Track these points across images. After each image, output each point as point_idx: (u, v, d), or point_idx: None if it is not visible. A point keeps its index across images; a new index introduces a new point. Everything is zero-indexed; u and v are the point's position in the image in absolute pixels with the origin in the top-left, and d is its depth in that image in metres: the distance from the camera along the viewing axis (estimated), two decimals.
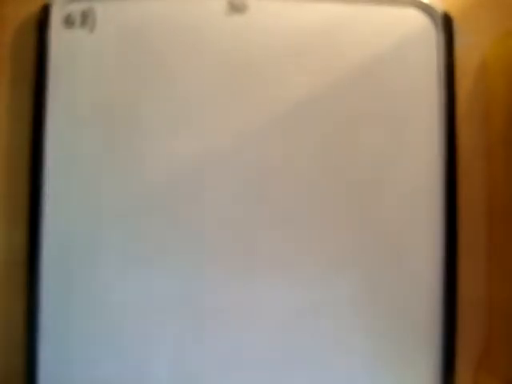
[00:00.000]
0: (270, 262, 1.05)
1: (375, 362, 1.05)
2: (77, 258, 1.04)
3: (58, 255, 1.04)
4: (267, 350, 1.04)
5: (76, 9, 1.07)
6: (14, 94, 1.10)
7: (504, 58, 1.09)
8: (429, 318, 1.05)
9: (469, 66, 1.12)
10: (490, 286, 1.10)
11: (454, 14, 1.09)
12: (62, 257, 1.04)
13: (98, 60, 1.07)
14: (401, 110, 1.08)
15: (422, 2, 1.08)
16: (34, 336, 1.03)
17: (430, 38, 1.08)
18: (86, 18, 1.07)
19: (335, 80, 1.07)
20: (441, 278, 1.05)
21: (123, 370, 1.04)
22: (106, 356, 1.03)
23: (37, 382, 1.02)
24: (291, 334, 1.04)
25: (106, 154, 1.06)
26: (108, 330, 1.04)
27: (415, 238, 1.06)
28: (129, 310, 1.04)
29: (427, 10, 1.08)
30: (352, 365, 1.05)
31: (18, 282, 1.06)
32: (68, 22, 1.06)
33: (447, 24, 1.08)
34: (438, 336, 1.04)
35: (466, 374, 1.08)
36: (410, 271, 1.06)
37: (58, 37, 1.06)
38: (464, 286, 1.06)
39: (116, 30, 1.07)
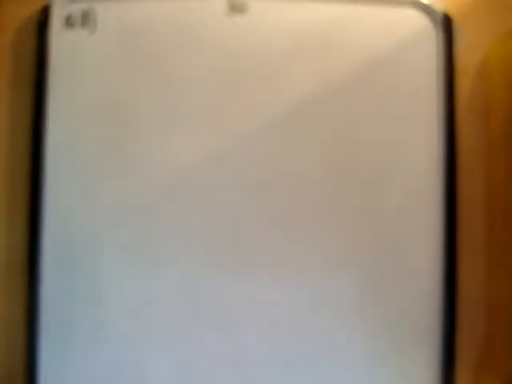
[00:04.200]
0: (270, 262, 1.05)
1: (375, 361, 1.05)
2: (77, 259, 1.04)
3: (58, 255, 1.04)
4: (267, 349, 1.04)
5: (76, 9, 1.07)
6: (14, 94, 1.10)
7: (504, 58, 1.09)
8: (429, 318, 1.04)
9: (469, 66, 1.12)
10: (490, 286, 1.10)
11: (453, 14, 1.09)
12: (61, 257, 1.04)
13: (99, 61, 1.07)
14: (401, 109, 1.08)
15: (421, 3, 1.08)
16: (34, 336, 1.03)
17: (430, 39, 1.08)
18: (87, 19, 1.07)
19: (335, 80, 1.07)
20: (441, 278, 1.05)
21: (123, 370, 1.04)
22: (106, 356, 1.03)
23: (37, 381, 1.02)
24: (291, 333, 1.04)
25: (106, 154, 1.06)
26: (108, 329, 1.04)
27: (415, 237, 1.06)
28: (129, 310, 1.04)
29: (427, 10, 1.08)
30: (352, 365, 1.05)
31: (18, 281, 1.06)
32: (68, 22, 1.07)
33: (447, 24, 1.08)
34: (438, 336, 1.04)
35: (466, 374, 1.08)
36: (410, 271, 1.05)
37: (59, 37, 1.06)
38: (464, 286, 1.06)
39: (117, 30, 1.07)
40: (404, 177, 1.07)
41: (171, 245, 1.05)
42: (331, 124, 1.07)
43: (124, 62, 1.07)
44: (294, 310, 1.05)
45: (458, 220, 1.06)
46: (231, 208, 1.06)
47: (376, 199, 1.06)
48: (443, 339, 1.04)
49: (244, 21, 1.08)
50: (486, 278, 1.10)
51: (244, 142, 1.07)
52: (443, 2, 1.09)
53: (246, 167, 1.06)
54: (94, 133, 1.06)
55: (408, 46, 1.08)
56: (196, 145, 1.06)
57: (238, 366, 1.04)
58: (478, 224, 1.10)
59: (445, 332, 1.04)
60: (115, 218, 1.05)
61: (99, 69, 1.07)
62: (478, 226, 1.10)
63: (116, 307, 1.04)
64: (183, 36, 1.07)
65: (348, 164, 1.07)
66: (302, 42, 1.08)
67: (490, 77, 1.12)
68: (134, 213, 1.05)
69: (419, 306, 1.05)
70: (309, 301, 1.05)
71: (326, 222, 1.06)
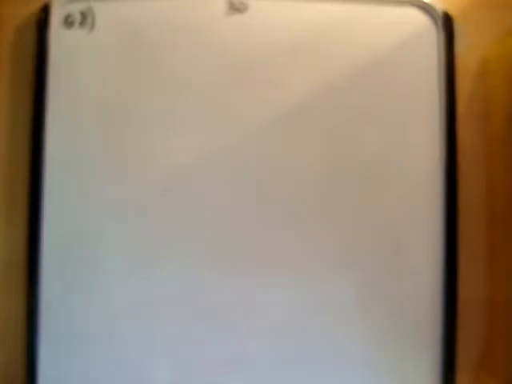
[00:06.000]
0: (270, 262, 1.05)
1: (375, 361, 1.05)
2: (77, 258, 1.04)
3: (58, 255, 1.04)
4: (267, 349, 1.04)
5: (75, 9, 1.07)
6: (13, 94, 1.10)
7: (504, 58, 1.09)
8: (429, 318, 1.05)
9: (469, 66, 1.12)
10: (490, 286, 1.10)
11: (454, 13, 1.09)
12: (62, 257, 1.04)
13: (98, 60, 1.07)
14: (401, 109, 1.08)
15: (422, 2, 1.08)
16: (34, 336, 1.02)
17: (431, 38, 1.08)
18: (86, 18, 1.07)
19: (335, 80, 1.07)
20: (441, 278, 1.05)
21: (123, 370, 1.04)
22: (105, 356, 1.03)
23: (37, 382, 1.02)
24: (291, 333, 1.04)
25: (106, 153, 1.06)
26: (108, 330, 1.04)
27: (415, 238, 1.06)
28: (128, 310, 1.04)
29: (427, 9, 1.08)
30: (352, 365, 1.05)
31: (18, 281, 1.06)
32: (67, 22, 1.06)
33: (447, 24, 1.08)
34: (438, 336, 1.04)
35: (466, 374, 1.08)
36: (410, 271, 1.06)
37: (58, 37, 1.06)
38: (464, 286, 1.06)
39: (115, 29, 1.07)
40: (404, 177, 1.07)
41: (171, 244, 1.05)
42: (331, 124, 1.07)
43: (123, 60, 1.07)
44: (293, 310, 1.05)
45: (459, 220, 1.06)
46: (231, 208, 1.05)
47: (376, 199, 1.06)
48: (443, 339, 1.04)
49: (244, 20, 1.08)
50: (486, 277, 1.10)
51: (243, 142, 1.06)
52: (443, 1, 1.09)
53: (245, 167, 1.06)
54: (93, 132, 1.06)
55: (408, 46, 1.08)
56: (195, 144, 1.06)
57: (238, 366, 1.04)
58: (478, 224, 1.11)
59: (445, 332, 1.04)
60: (115, 218, 1.05)
61: (98, 67, 1.06)
62: (478, 226, 1.10)
63: (116, 307, 1.04)
64: (182, 35, 1.07)
65: (348, 164, 1.07)
66: (301, 42, 1.08)
67: (489, 77, 1.12)
68: (134, 213, 1.05)
69: (419, 306, 1.05)
70: (309, 301, 1.05)
71: (326, 223, 1.06)
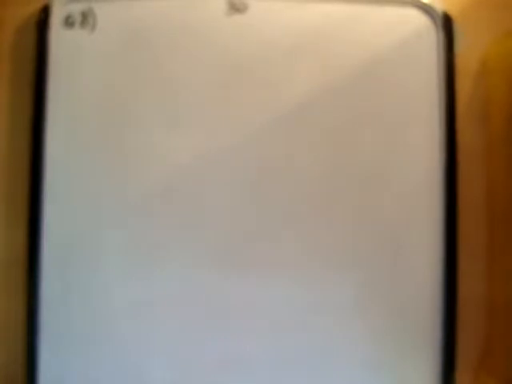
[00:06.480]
0: (270, 262, 1.05)
1: (375, 362, 1.05)
2: (77, 258, 1.04)
3: (58, 255, 1.04)
4: (267, 349, 1.04)
5: (76, 9, 1.07)
6: (14, 94, 1.10)
7: (504, 58, 1.09)
8: (429, 318, 1.04)
9: (469, 66, 1.12)
10: (490, 286, 1.10)
11: (453, 14, 1.09)
12: (61, 257, 1.04)
13: (98, 60, 1.07)
14: (401, 109, 1.08)
15: (422, 2, 1.08)
16: (34, 336, 1.03)
17: (430, 38, 1.08)
18: (86, 19, 1.07)
19: (335, 80, 1.07)
20: (441, 278, 1.05)
21: (123, 370, 1.04)
22: (105, 356, 1.03)
23: (37, 381, 1.02)
24: (291, 333, 1.04)
25: (106, 154, 1.06)
26: (108, 330, 1.04)
27: (415, 237, 1.06)
28: (128, 310, 1.04)
29: (427, 9, 1.08)
30: (352, 365, 1.05)
31: (18, 281, 1.06)
32: (68, 22, 1.06)
33: (447, 24, 1.08)
34: (438, 336, 1.04)
35: (466, 374, 1.08)
36: (410, 271, 1.06)
37: (58, 37, 1.06)
38: (464, 286, 1.06)
39: (116, 30, 1.07)
40: (404, 177, 1.07)
41: (171, 245, 1.05)
42: (331, 124, 1.07)
43: (123, 61, 1.07)
44: (293, 310, 1.05)
45: (459, 220, 1.06)
46: (231, 208, 1.05)
47: (376, 199, 1.06)
48: (443, 339, 1.04)
49: (244, 20, 1.08)
50: (486, 278, 1.10)
51: (244, 142, 1.07)
52: (443, 1, 1.09)
53: (246, 167, 1.06)
54: (93, 132, 1.06)
55: (408, 46, 1.08)
56: (196, 144, 1.06)
57: (238, 366, 1.04)
58: (478, 224, 1.10)
59: (445, 332, 1.04)
60: (115, 218, 1.05)
61: (98, 68, 1.07)
62: (478, 226, 1.10)
63: (116, 307, 1.04)
64: (183, 35, 1.07)
65: (348, 164, 1.07)
66: (301, 42, 1.08)
67: (489, 77, 1.12)
68: (134, 213, 1.05)
69: (419, 306, 1.05)
70: (309, 301, 1.05)
71: (326, 223, 1.06)
